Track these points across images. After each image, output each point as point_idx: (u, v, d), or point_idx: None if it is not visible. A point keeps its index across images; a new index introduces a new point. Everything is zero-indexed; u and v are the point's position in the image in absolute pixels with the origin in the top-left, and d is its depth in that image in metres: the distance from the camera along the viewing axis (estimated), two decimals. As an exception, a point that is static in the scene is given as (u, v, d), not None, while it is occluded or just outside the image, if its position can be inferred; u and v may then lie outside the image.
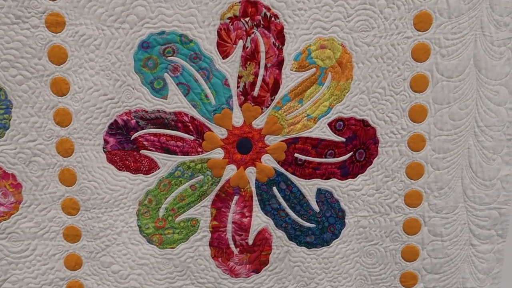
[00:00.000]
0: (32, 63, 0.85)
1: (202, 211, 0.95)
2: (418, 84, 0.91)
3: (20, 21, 0.83)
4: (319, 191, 0.95)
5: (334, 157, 0.94)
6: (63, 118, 0.88)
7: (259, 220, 0.96)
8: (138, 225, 0.95)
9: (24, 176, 0.90)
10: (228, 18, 0.86)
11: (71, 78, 0.87)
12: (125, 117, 0.89)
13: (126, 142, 0.90)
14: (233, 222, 0.96)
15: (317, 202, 0.96)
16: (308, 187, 0.95)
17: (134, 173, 0.92)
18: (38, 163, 0.90)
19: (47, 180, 0.91)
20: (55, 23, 0.84)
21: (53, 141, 0.89)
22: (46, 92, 0.87)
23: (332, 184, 0.95)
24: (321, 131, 0.92)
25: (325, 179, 0.95)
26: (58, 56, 0.85)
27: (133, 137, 0.90)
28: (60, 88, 0.87)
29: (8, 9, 0.83)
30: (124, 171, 0.92)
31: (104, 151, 0.91)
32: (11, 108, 0.87)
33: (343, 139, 0.93)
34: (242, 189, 0.95)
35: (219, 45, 0.87)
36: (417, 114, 0.92)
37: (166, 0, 0.84)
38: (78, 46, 0.85)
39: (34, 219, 0.93)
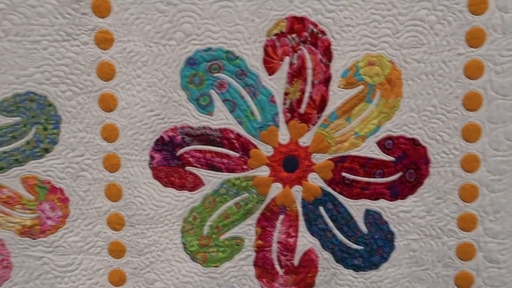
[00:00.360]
0: (81, 79, 0.82)
1: (247, 230, 0.88)
2: (471, 102, 0.82)
3: (70, 38, 0.80)
4: (368, 212, 0.86)
5: (383, 177, 0.85)
6: (110, 134, 0.84)
7: (305, 240, 0.88)
8: (183, 242, 0.88)
9: (72, 191, 0.86)
10: (275, 35, 0.80)
11: (119, 94, 0.82)
12: (171, 133, 0.84)
13: (171, 158, 0.85)
14: (278, 242, 0.88)
15: (365, 223, 0.87)
16: (356, 208, 0.86)
17: (179, 190, 0.86)
18: (85, 177, 0.86)
19: (93, 195, 0.87)
20: (104, 40, 0.80)
21: (100, 156, 0.85)
22: (94, 107, 0.83)
23: (381, 205, 0.86)
24: (370, 149, 0.84)
25: (374, 199, 0.86)
26: (106, 73, 0.82)
27: (178, 153, 0.85)
28: (107, 104, 0.83)
29: (60, 27, 0.80)
30: (169, 187, 0.86)
31: (150, 167, 0.85)
32: (60, 123, 0.83)
33: (393, 159, 0.84)
34: (288, 208, 0.87)
35: (265, 62, 0.81)
36: (471, 134, 0.83)
37: (213, 17, 0.79)
38: (126, 62, 0.81)
39: (80, 234, 0.88)
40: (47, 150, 0.84)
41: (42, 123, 0.83)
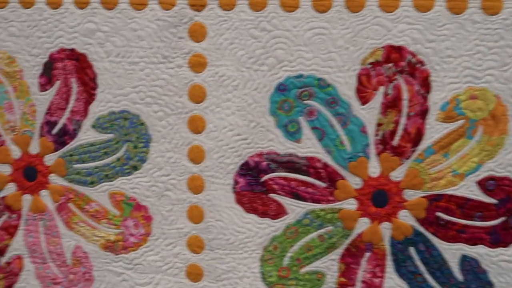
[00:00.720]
0: (173, 101, 0.80)
1: (329, 265, 0.80)
2: None
3: (166, 60, 0.79)
4: (464, 258, 0.76)
5: (483, 221, 0.74)
6: (196, 155, 0.81)
7: (392, 282, 0.79)
8: (261, 272, 0.82)
9: (155, 209, 0.84)
10: (370, 63, 0.74)
11: (208, 116, 0.80)
12: (256, 159, 0.79)
13: (255, 184, 0.80)
14: (362, 281, 0.79)
15: (460, 270, 0.76)
16: (451, 252, 0.76)
17: (261, 217, 0.81)
18: (170, 197, 0.83)
19: (176, 215, 0.84)
20: (198, 64, 0.79)
21: (185, 177, 0.82)
22: (183, 129, 0.81)
23: (480, 252, 0.75)
24: (469, 189, 0.74)
25: (472, 244, 0.75)
26: (197, 95, 0.80)
27: (263, 179, 0.80)
28: (196, 125, 0.80)
29: (157, 50, 0.79)
30: (251, 213, 0.81)
31: (233, 191, 0.81)
32: (150, 142, 0.82)
33: (495, 201, 0.74)
34: (375, 246, 0.78)
35: (358, 91, 0.75)
36: None
37: (306, 44, 0.75)
38: (217, 86, 0.79)
39: (160, 253, 0.85)
40: (135, 168, 0.83)
41: (133, 141, 0.82)
